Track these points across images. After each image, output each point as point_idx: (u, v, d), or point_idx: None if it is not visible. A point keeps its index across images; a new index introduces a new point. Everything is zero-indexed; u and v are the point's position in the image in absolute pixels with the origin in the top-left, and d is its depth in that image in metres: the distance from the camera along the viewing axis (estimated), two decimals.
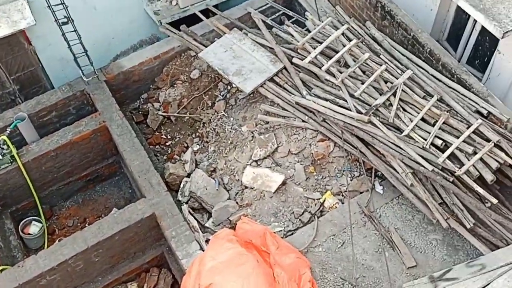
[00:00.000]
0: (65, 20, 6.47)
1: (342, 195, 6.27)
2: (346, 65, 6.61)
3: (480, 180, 5.64)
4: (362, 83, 6.30)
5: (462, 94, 6.20)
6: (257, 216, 6.22)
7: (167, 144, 7.49)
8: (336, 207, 6.15)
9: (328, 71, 6.46)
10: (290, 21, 7.58)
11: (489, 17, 5.50)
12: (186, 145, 7.35)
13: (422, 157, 5.74)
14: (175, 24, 7.69)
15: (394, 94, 6.13)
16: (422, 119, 5.97)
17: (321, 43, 6.73)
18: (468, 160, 5.61)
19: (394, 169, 5.97)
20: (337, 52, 6.60)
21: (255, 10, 7.67)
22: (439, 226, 5.77)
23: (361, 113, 6.10)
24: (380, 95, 6.22)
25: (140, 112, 7.74)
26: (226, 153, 6.86)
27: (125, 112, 7.40)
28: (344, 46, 6.62)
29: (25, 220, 7.00)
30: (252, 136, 6.76)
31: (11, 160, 6.56)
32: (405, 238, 5.86)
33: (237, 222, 6.02)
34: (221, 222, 6.37)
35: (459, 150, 5.69)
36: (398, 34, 6.89)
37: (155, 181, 6.31)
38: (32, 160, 6.64)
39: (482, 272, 5.07)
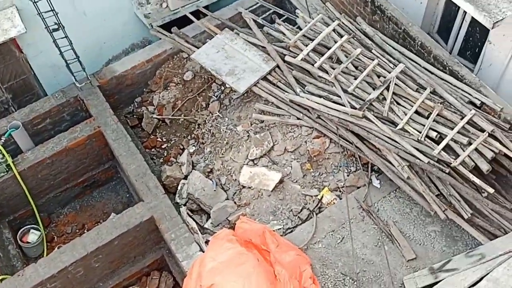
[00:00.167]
0: (56, 26, 6.45)
1: (340, 191, 6.29)
2: (339, 61, 6.62)
3: (476, 170, 5.67)
4: (355, 79, 6.32)
5: (454, 86, 6.23)
6: (256, 215, 6.22)
7: (163, 147, 7.48)
8: (334, 203, 6.16)
9: (320, 68, 6.47)
10: (281, 19, 7.58)
11: (479, 7, 5.53)
12: (182, 147, 7.34)
13: (418, 149, 5.76)
14: (166, 27, 7.68)
15: (387, 88, 6.15)
16: (416, 112, 5.99)
17: (312, 40, 6.74)
18: (463, 151, 5.63)
19: (390, 162, 5.99)
20: (329, 48, 6.61)
21: (246, 9, 7.68)
22: (437, 218, 5.79)
23: (355, 108, 6.11)
24: (374, 89, 6.24)
25: (135, 116, 7.73)
26: (222, 154, 6.86)
27: (119, 116, 7.39)
28: (335, 42, 6.63)
29: (23, 228, 6.97)
30: (248, 136, 6.76)
31: (7, 169, 6.54)
32: (404, 231, 5.88)
33: (236, 222, 6.03)
34: (220, 222, 6.37)
35: (454, 142, 5.72)
36: (389, 28, 6.92)
37: (152, 184, 6.30)
38: (28, 168, 6.61)
39: (482, 262, 5.11)
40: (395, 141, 5.88)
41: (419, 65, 6.48)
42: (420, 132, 5.78)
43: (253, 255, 5.40)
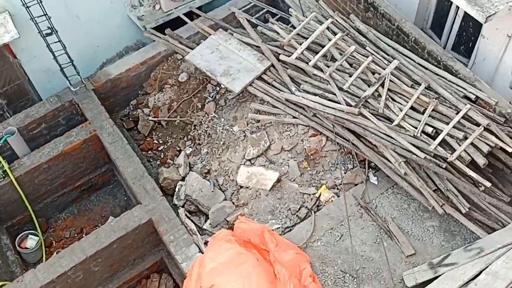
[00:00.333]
0: (49, 31, 6.43)
1: (337, 189, 6.30)
2: (333, 59, 6.63)
3: (473, 164, 5.69)
4: (350, 76, 6.32)
5: (449, 81, 6.25)
6: (254, 215, 6.22)
7: (160, 149, 7.47)
8: (332, 200, 6.17)
9: (315, 66, 6.48)
10: (275, 18, 7.59)
11: (471, 2, 5.54)
12: (178, 148, 7.33)
13: (414, 145, 5.77)
14: (160, 29, 7.67)
15: (382, 85, 6.16)
16: (412, 108, 6.00)
17: (306, 38, 6.74)
18: (459, 145, 5.65)
19: (387, 159, 6.00)
20: (323, 46, 6.62)
21: (239, 9, 7.68)
22: (435, 213, 5.81)
23: (350, 105, 6.12)
24: (369, 86, 6.25)
25: (130, 119, 7.71)
26: (219, 154, 6.86)
27: (115, 119, 7.37)
28: (329, 40, 6.64)
29: (21, 234, 6.95)
30: (244, 136, 6.76)
31: (3, 175, 6.51)
32: (402, 227, 5.89)
33: (235, 222, 6.03)
34: (218, 223, 6.37)
35: (450, 136, 5.73)
36: (382, 25, 6.93)
37: (149, 186, 6.29)
38: (24, 174, 6.59)
39: (480, 256, 5.13)
40: (391, 138, 5.89)
41: (414, 61, 6.49)
42: (416, 128, 5.79)
43: (252, 255, 5.41)
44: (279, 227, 6.09)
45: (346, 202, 6.03)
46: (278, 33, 7.11)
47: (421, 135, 5.77)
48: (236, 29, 7.47)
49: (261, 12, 7.86)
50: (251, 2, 7.90)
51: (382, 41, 6.76)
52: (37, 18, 6.25)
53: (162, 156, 7.39)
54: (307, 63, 6.52)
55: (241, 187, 6.48)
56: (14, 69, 7.31)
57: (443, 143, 5.73)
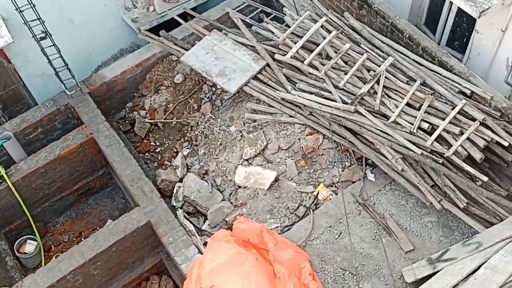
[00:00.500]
0: (43, 35, 6.41)
1: (335, 186, 6.30)
2: (328, 57, 6.64)
3: (469, 159, 5.70)
4: (345, 74, 6.33)
5: (444, 76, 6.26)
6: (253, 215, 6.23)
7: (157, 150, 7.47)
8: (330, 198, 6.18)
9: (310, 65, 6.48)
10: (269, 18, 7.59)
11: None
12: (175, 150, 7.33)
13: (410, 141, 5.79)
14: (154, 30, 7.65)
15: (378, 82, 6.17)
16: (407, 104, 6.02)
17: (301, 37, 6.75)
18: (456, 140, 5.66)
19: (384, 156, 6.01)
20: (318, 45, 6.62)
21: (233, 9, 7.67)
22: (433, 209, 5.82)
23: (346, 103, 6.13)
24: (364, 84, 6.26)
25: (127, 121, 7.70)
26: (216, 155, 6.85)
27: (111, 122, 7.36)
28: (324, 38, 6.64)
29: (19, 239, 6.93)
30: (241, 136, 6.76)
31: (0, 181, 6.49)
32: (400, 223, 5.91)
33: (233, 222, 6.03)
34: (217, 223, 6.37)
35: (446, 132, 5.74)
36: (376, 22, 6.94)
37: (147, 188, 6.28)
38: (21, 178, 6.57)
39: (479, 250, 5.15)
40: (388, 134, 5.90)
41: (408, 57, 6.51)
42: (412, 124, 5.80)
43: (251, 254, 5.41)
44: (277, 226, 6.09)
45: (344, 199, 6.04)
46: (272, 32, 7.12)
47: (417, 131, 5.78)
48: (230, 29, 7.47)
49: (255, 12, 7.86)
50: (245, 2, 7.90)
51: (377, 38, 6.77)
52: (31, 22, 6.23)
53: (159, 158, 7.38)
54: (302, 61, 6.52)
55: (239, 187, 6.48)
56: (8, 74, 7.29)
57: (440, 139, 5.74)
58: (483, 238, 5.30)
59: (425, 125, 5.80)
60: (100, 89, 7.33)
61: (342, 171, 6.32)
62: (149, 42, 7.60)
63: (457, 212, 5.72)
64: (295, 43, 6.67)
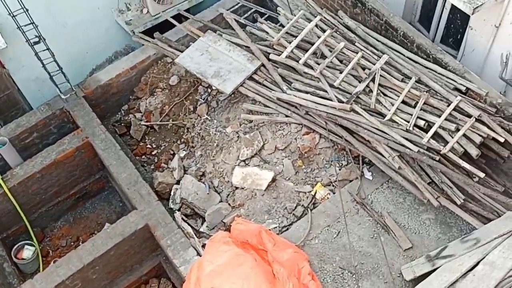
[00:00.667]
0: (37, 39, 6.38)
1: (333, 185, 6.30)
2: (323, 56, 6.64)
3: (466, 156, 5.71)
4: (341, 72, 6.33)
5: (439, 73, 6.27)
6: (251, 216, 6.22)
7: (153, 153, 7.45)
8: (327, 198, 6.18)
9: (305, 64, 6.48)
10: (263, 18, 7.58)
11: None
12: (172, 152, 7.31)
13: (407, 139, 5.79)
14: (148, 32, 7.64)
15: (373, 80, 6.17)
16: (403, 102, 6.02)
17: (296, 37, 6.74)
18: (452, 137, 5.67)
19: (381, 154, 6.01)
20: (312, 44, 6.62)
21: (227, 10, 7.66)
22: (431, 206, 5.83)
23: (342, 102, 6.13)
24: (359, 82, 6.26)
25: (123, 124, 7.68)
26: (213, 156, 6.84)
27: (107, 125, 7.33)
28: (319, 37, 6.64)
29: (17, 245, 6.91)
30: (238, 136, 6.75)
31: None
32: (398, 221, 5.91)
33: (231, 223, 6.01)
34: (215, 225, 6.36)
35: (442, 129, 5.75)
36: (370, 20, 6.94)
37: (144, 191, 6.27)
38: (18, 184, 6.54)
39: (477, 246, 5.15)
40: (384, 132, 5.91)
41: (403, 55, 6.51)
42: (408, 122, 5.81)
43: (250, 255, 5.40)
44: (276, 227, 6.09)
45: (342, 198, 6.04)
46: (267, 32, 7.11)
47: (413, 128, 5.79)
48: (225, 30, 7.46)
49: (249, 12, 7.85)
50: (239, 3, 7.89)
51: (371, 37, 6.77)
52: (24, 27, 6.20)
53: (156, 161, 7.36)
54: (298, 61, 6.52)
55: (237, 188, 6.47)
56: (3, 79, 7.26)
57: (436, 136, 5.75)
58: (481, 234, 5.31)
59: (421, 123, 5.81)
60: (95, 92, 7.31)
61: (339, 170, 6.32)
62: (143, 45, 7.58)
63: (454, 208, 5.73)
64: (290, 42, 6.66)
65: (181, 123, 7.39)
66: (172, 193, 6.77)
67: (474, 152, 5.62)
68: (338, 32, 6.86)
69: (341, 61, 6.53)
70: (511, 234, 5.07)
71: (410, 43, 6.58)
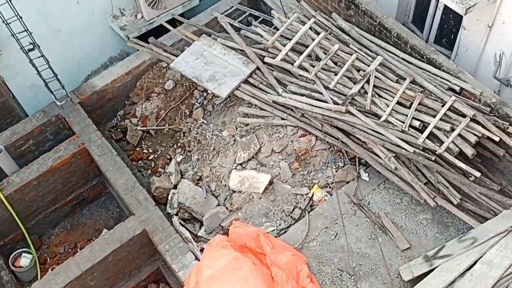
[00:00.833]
0: (31, 46, 6.37)
1: (330, 187, 6.32)
2: (318, 59, 6.66)
3: (461, 155, 5.74)
4: (335, 74, 6.35)
5: (433, 74, 6.30)
6: (249, 219, 6.22)
7: (150, 158, 7.44)
8: (325, 199, 6.19)
9: (300, 67, 6.50)
10: (257, 21, 7.60)
11: None
12: (169, 157, 7.31)
13: (402, 140, 5.81)
14: (143, 37, 7.64)
15: (368, 82, 6.19)
16: (398, 103, 6.04)
17: (290, 39, 6.76)
18: (447, 137, 5.70)
19: (377, 155, 6.03)
20: (307, 46, 6.64)
21: (221, 14, 7.67)
22: (427, 206, 5.85)
23: (338, 104, 6.15)
24: (354, 84, 6.28)
25: (119, 130, 7.67)
26: (210, 160, 6.85)
27: (103, 131, 7.33)
28: (313, 40, 6.66)
29: (14, 253, 6.88)
30: (234, 140, 6.76)
31: None
32: (396, 221, 5.93)
33: (229, 227, 6.01)
34: (213, 229, 6.35)
35: (437, 129, 5.78)
36: (364, 22, 6.97)
37: (142, 197, 6.26)
38: (14, 191, 6.52)
39: (475, 245, 5.17)
40: (380, 133, 5.93)
41: (397, 56, 6.54)
42: (404, 123, 5.83)
43: (249, 259, 5.40)
44: (274, 230, 6.09)
45: (339, 200, 6.05)
46: (261, 35, 7.12)
47: (408, 129, 5.81)
48: (219, 34, 7.47)
49: (243, 16, 7.86)
50: (233, 6, 7.90)
51: (365, 38, 6.80)
52: (18, 34, 6.19)
53: (152, 165, 7.36)
54: (292, 64, 6.54)
55: (234, 191, 6.48)
56: None
57: (431, 136, 5.77)
58: (478, 233, 5.33)
59: (416, 123, 5.83)
60: (91, 98, 7.30)
61: (336, 171, 6.34)
62: (138, 50, 7.58)
63: (451, 208, 5.75)
64: (284, 45, 6.68)
65: (177, 127, 7.39)
66: (169, 198, 6.76)
67: (469, 151, 5.64)
68: (332, 34, 6.88)
69: (335, 63, 6.55)
70: (508, 233, 5.09)
71: (404, 44, 6.61)
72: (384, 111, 5.97)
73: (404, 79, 6.20)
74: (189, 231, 6.35)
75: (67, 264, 5.79)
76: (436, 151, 5.67)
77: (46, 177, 6.72)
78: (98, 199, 7.59)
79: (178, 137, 7.38)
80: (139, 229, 5.98)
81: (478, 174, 5.58)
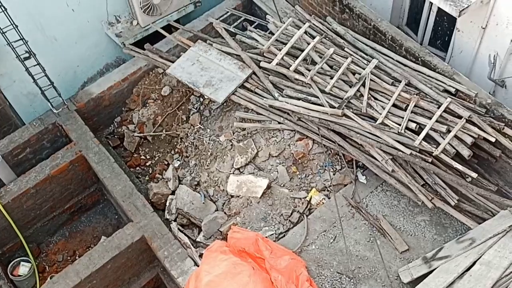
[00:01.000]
0: (27, 55, 6.37)
1: (328, 190, 6.33)
2: (313, 62, 6.68)
3: (458, 157, 5.76)
4: (331, 78, 6.37)
5: (428, 76, 6.32)
6: (247, 223, 6.22)
7: (147, 164, 7.44)
8: (323, 203, 6.20)
9: (296, 71, 6.52)
10: (253, 26, 7.63)
11: None
12: (166, 162, 7.31)
13: (399, 142, 5.83)
14: (139, 44, 7.65)
15: (364, 85, 6.22)
16: (394, 105, 6.07)
17: (285, 44, 6.79)
18: (443, 139, 5.72)
19: (374, 157, 6.05)
20: (302, 50, 6.66)
21: (216, 19, 7.70)
22: (425, 207, 5.87)
23: (334, 107, 6.17)
24: (350, 87, 6.30)
25: (116, 136, 7.67)
26: (207, 165, 6.85)
27: (100, 138, 7.33)
28: (308, 44, 6.69)
29: (13, 262, 6.86)
30: (231, 145, 6.77)
31: None
32: (394, 223, 5.94)
33: (228, 232, 6.01)
34: (212, 234, 6.35)
35: (433, 131, 5.80)
36: (359, 25, 7.00)
37: (140, 203, 6.26)
38: (12, 200, 6.51)
39: (473, 246, 5.19)
40: (377, 136, 5.95)
41: (392, 58, 6.56)
42: (400, 125, 5.85)
43: (248, 264, 5.40)
44: (272, 234, 6.09)
45: (337, 203, 6.06)
46: (257, 40, 7.15)
47: (405, 131, 5.83)
48: (215, 39, 7.49)
49: (238, 21, 7.89)
50: (228, 12, 7.93)
51: (360, 41, 6.83)
52: (14, 43, 6.20)
53: (150, 172, 7.36)
54: (288, 68, 6.56)
55: (232, 196, 6.48)
56: None
57: (428, 138, 5.79)
58: (476, 234, 5.35)
59: (413, 125, 5.86)
60: (87, 105, 7.30)
61: (334, 174, 6.35)
62: (134, 56, 7.59)
63: (448, 209, 5.77)
64: (280, 50, 6.70)
65: (175, 133, 7.40)
66: (167, 204, 6.76)
67: (466, 152, 5.67)
68: (327, 38, 6.91)
69: (331, 67, 6.58)
70: (506, 233, 5.11)
71: (398, 46, 6.64)
72: (380, 114, 5.99)
73: (400, 81, 6.23)
74: (188, 237, 6.35)
75: (66, 272, 5.78)
76: (432, 152, 5.69)
77: (44, 185, 6.71)
78: (96, 206, 7.58)
79: (176, 143, 7.38)
80: (137, 235, 5.97)
81: (475, 175, 5.60)
